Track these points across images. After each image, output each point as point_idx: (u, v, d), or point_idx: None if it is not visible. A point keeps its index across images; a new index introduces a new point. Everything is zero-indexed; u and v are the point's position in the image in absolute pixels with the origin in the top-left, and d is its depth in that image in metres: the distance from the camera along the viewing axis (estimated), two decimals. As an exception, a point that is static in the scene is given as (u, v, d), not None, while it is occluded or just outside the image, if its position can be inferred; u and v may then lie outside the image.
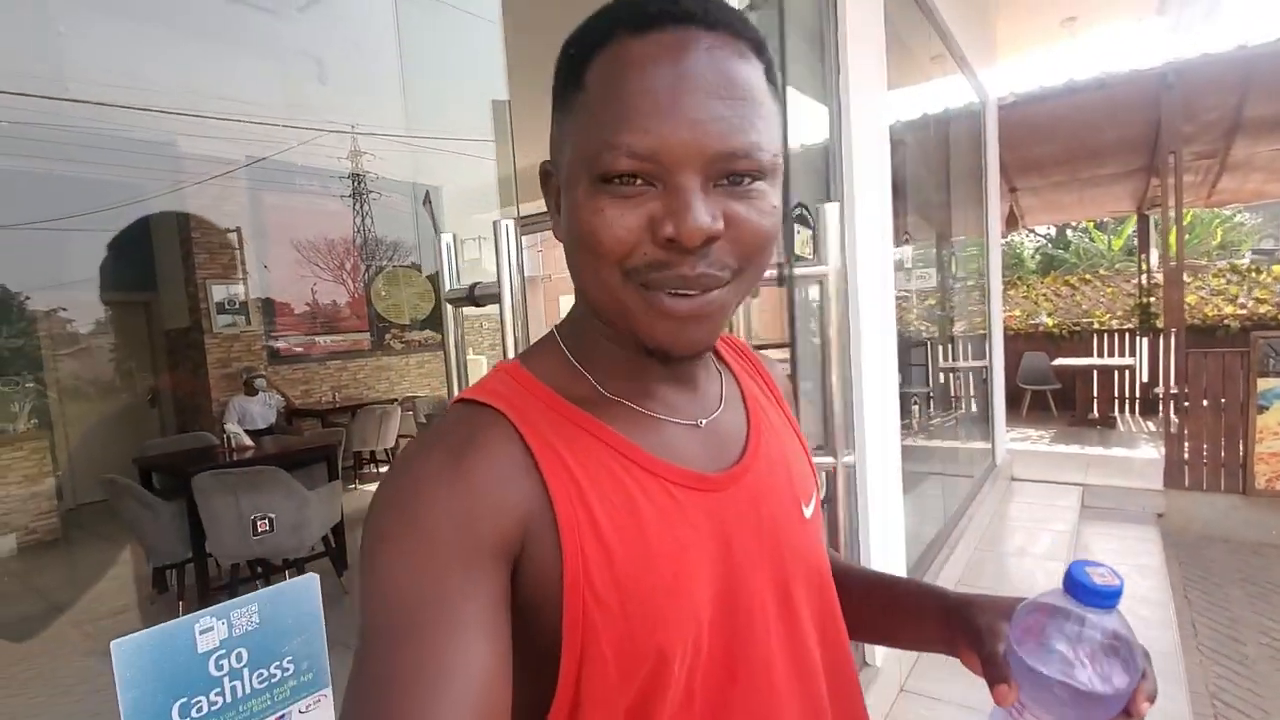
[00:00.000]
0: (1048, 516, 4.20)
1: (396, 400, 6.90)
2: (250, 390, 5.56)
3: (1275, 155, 5.28)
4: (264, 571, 3.51)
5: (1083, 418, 6.86)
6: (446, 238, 1.23)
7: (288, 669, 0.67)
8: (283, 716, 0.66)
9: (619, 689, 0.44)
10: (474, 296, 1.18)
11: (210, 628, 0.62)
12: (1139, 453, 5.38)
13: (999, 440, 4.91)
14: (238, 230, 6.21)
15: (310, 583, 0.73)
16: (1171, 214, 4.75)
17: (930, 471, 4.51)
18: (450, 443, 0.46)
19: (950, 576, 3.25)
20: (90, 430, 5.96)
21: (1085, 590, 0.40)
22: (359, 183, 7.98)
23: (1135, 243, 16.69)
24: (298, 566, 3.51)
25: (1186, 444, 4.50)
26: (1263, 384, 4.19)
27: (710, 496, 0.51)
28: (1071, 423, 6.92)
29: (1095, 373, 6.85)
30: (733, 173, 0.43)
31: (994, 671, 0.48)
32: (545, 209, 0.51)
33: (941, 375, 4.65)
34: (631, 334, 0.47)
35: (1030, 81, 4.82)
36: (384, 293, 6.97)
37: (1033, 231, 18.45)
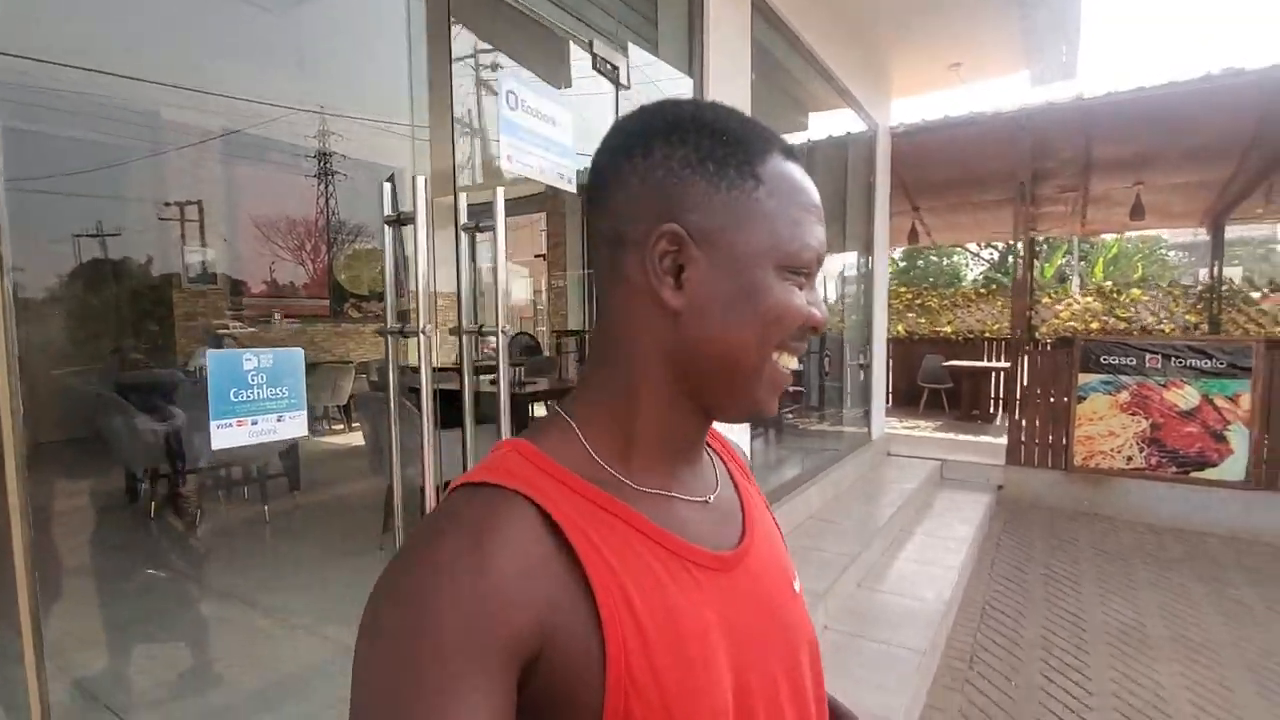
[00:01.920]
0: (901, 479, 5.01)
1: (350, 362, 7.43)
2: (217, 344, 6.04)
3: (1128, 191, 6.23)
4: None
5: (966, 413, 7.80)
6: (387, 186, 1.74)
7: (282, 393, 1.32)
8: (279, 416, 1.31)
9: None
10: (399, 217, 1.48)
11: (251, 360, 1.26)
12: (996, 439, 6.26)
13: (875, 421, 5.72)
14: (198, 203, 6.65)
15: (297, 355, 1.38)
16: (1044, 238, 5.62)
17: (814, 445, 5.31)
18: (465, 528, 0.42)
19: (804, 508, 4.01)
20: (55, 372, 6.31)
21: None
22: (325, 162, 8.41)
23: (1067, 270, 18.08)
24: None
25: (1024, 429, 5.38)
26: (1083, 378, 5.08)
27: (725, 576, 0.51)
28: (957, 417, 7.86)
29: (980, 374, 7.80)
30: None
31: None
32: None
33: (833, 369, 5.46)
34: (747, 397, 0.51)
35: (922, 114, 5.67)
36: (347, 266, 7.47)
37: (978, 255, 19.78)
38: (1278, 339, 5.58)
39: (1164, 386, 4.78)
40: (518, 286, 12.13)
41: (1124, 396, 4.92)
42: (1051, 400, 5.24)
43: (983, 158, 5.63)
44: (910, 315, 9.48)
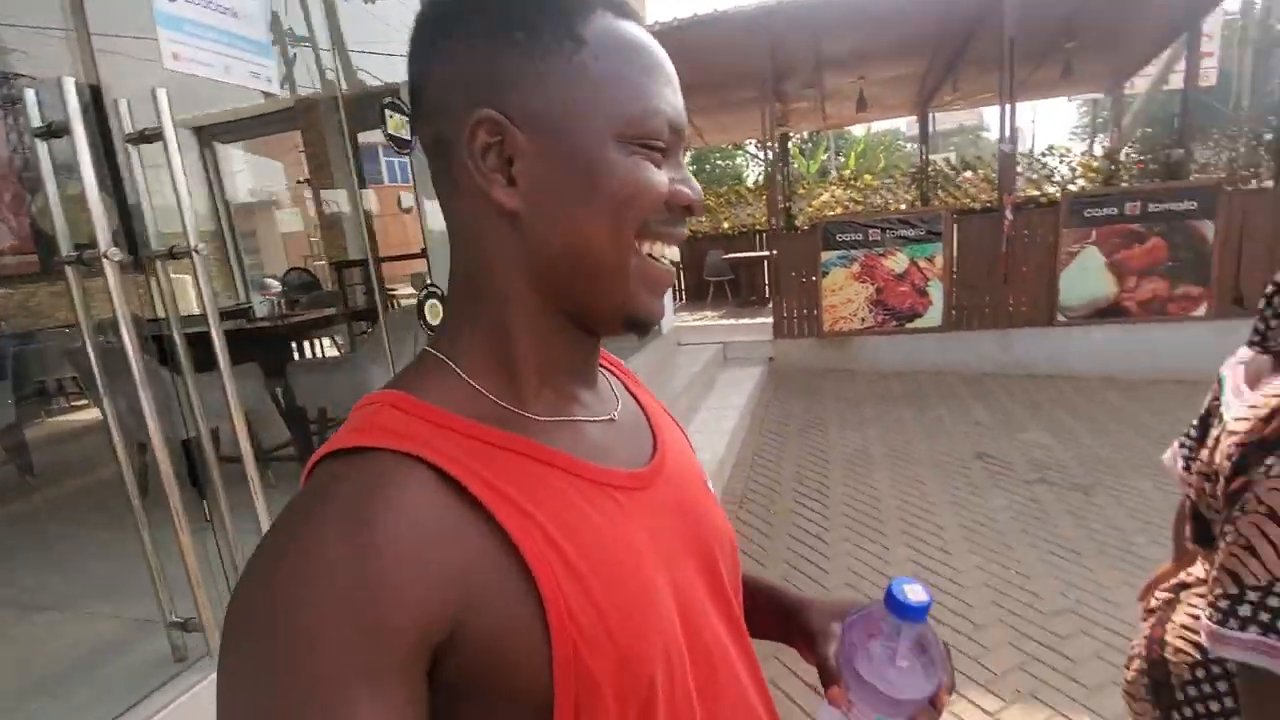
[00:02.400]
0: (689, 364, 5.53)
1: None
2: None
3: (854, 86, 7.05)
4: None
5: (746, 299, 8.67)
6: (30, 94, 1.45)
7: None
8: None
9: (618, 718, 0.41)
10: (50, 128, 1.28)
11: None
12: (768, 319, 7.08)
13: (665, 315, 6.17)
14: None
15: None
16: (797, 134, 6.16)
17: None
18: (344, 505, 0.36)
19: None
20: None
21: (901, 606, 0.45)
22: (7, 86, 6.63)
23: (828, 164, 20.14)
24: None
25: (784, 306, 6.15)
26: (824, 256, 5.87)
27: (645, 493, 0.49)
28: (739, 304, 8.71)
29: (754, 263, 8.64)
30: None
31: (827, 674, 0.51)
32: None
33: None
34: (617, 300, 0.45)
35: (675, 13, 5.82)
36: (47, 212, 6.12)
37: (756, 156, 21.30)
38: (965, 208, 6.85)
39: (883, 255, 5.70)
40: (287, 219, 10.73)
41: (855, 268, 5.79)
42: (803, 279, 6.02)
43: (733, 56, 5.99)
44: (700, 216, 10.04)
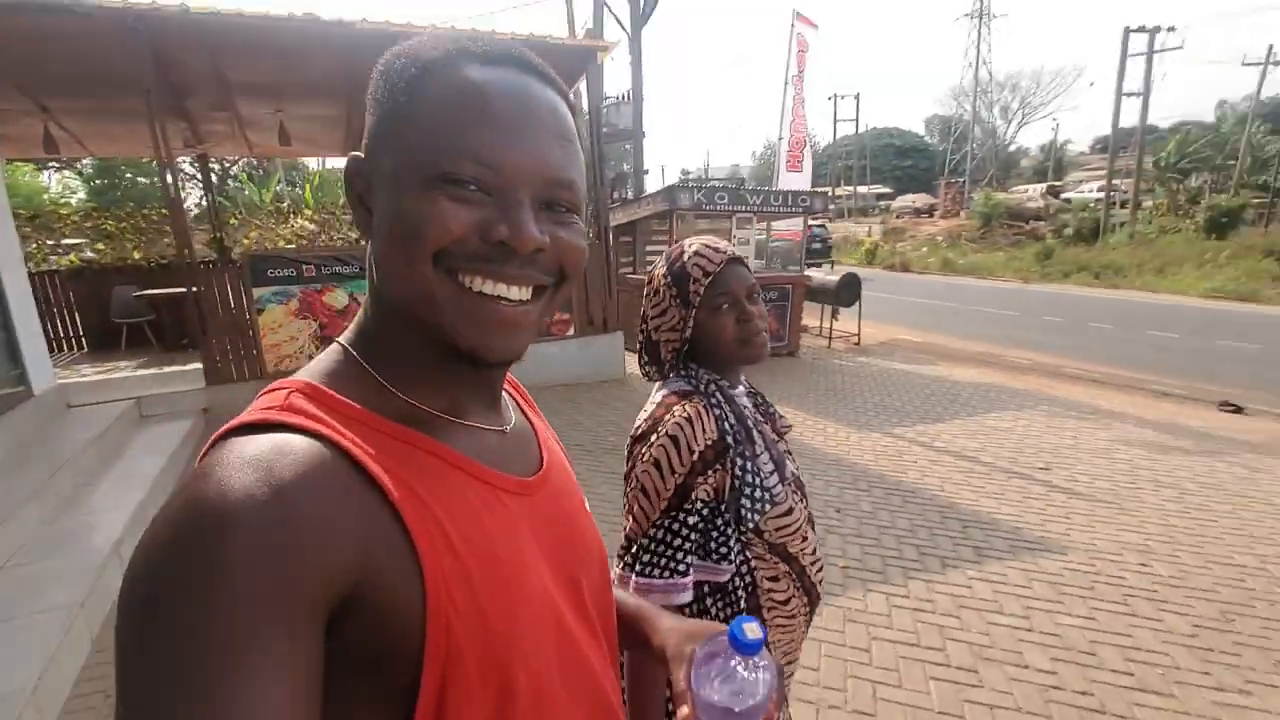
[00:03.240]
0: (83, 429, 4.40)
1: None
2: None
3: (274, 117, 6.81)
4: None
5: (176, 343, 7.39)
6: None
7: None
8: None
9: (482, 706, 0.45)
10: None
11: None
12: (192, 365, 6.19)
13: (36, 372, 4.74)
14: None
15: None
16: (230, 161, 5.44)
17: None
18: (252, 468, 0.39)
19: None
20: None
21: (739, 642, 0.53)
22: None
23: (284, 194, 18.71)
24: None
25: (217, 348, 5.51)
26: (258, 292, 5.51)
27: (530, 500, 0.55)
28: (167, 348, 7.37)
29: (181, 300, 7.43)
30: (556, 201, 0.50)
31: (678, 694, 0.56)
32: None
33: None
34: (438, 331, 0.48)
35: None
36: None
37: (193, 177, 18.23)
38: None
39: (321, 291, 5.71)
40: None
41: (294, 304, 5.63)
42: (236, 318, 5.51)
43: (104, 57, 5.02)
44: (97, 243, 8.00)
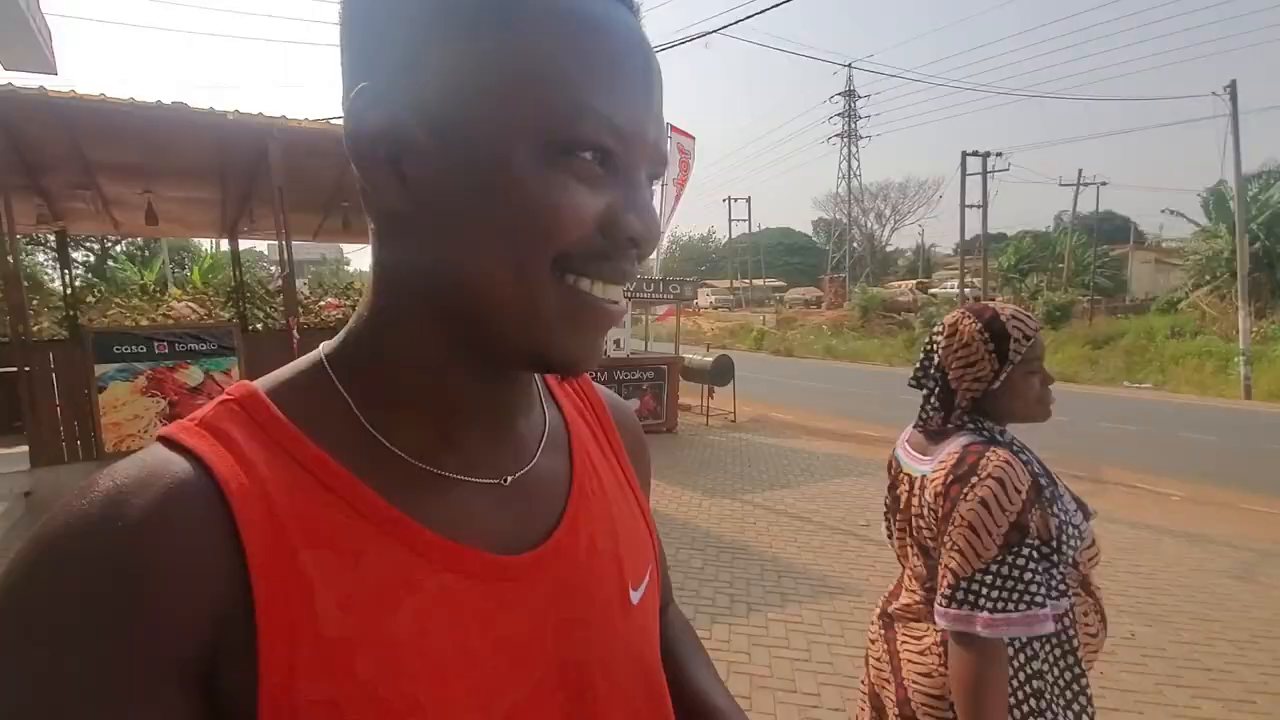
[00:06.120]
0: None
1: None
2: None
3: (142, 197, 6.78)
4: None
5: (7, 425, 6.84)
6: None
7: None
8: None
9: None
10: None
11: None
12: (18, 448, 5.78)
13: None
14: None
15: None
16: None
17: None
18: (112, 502, 0.32)
19: None
20: None
21: None
22: None
23: (167, 274, 18.02)
24: None
25: (46, 428, 5.21)
26: (100, 369, 5.32)
27: (508, 586, 0.40)
28: (-6, 434, 6.79)
29: (9, 379, 6.94)
30: (655, 174, 0.40)
31: None
32: None
33: None
34: (523, 344, 0.38)
35: None
36: None
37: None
38: (255, 328, 7.36)
39: (173, 369, 5.58)
40: None
41: (141, 381, 5.46)
42: (73, 396, 5.27)
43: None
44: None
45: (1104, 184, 30.90)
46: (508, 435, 0.45)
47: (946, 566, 1.08)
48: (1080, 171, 30.01)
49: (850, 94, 43.98)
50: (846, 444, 8.11)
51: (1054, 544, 1.07)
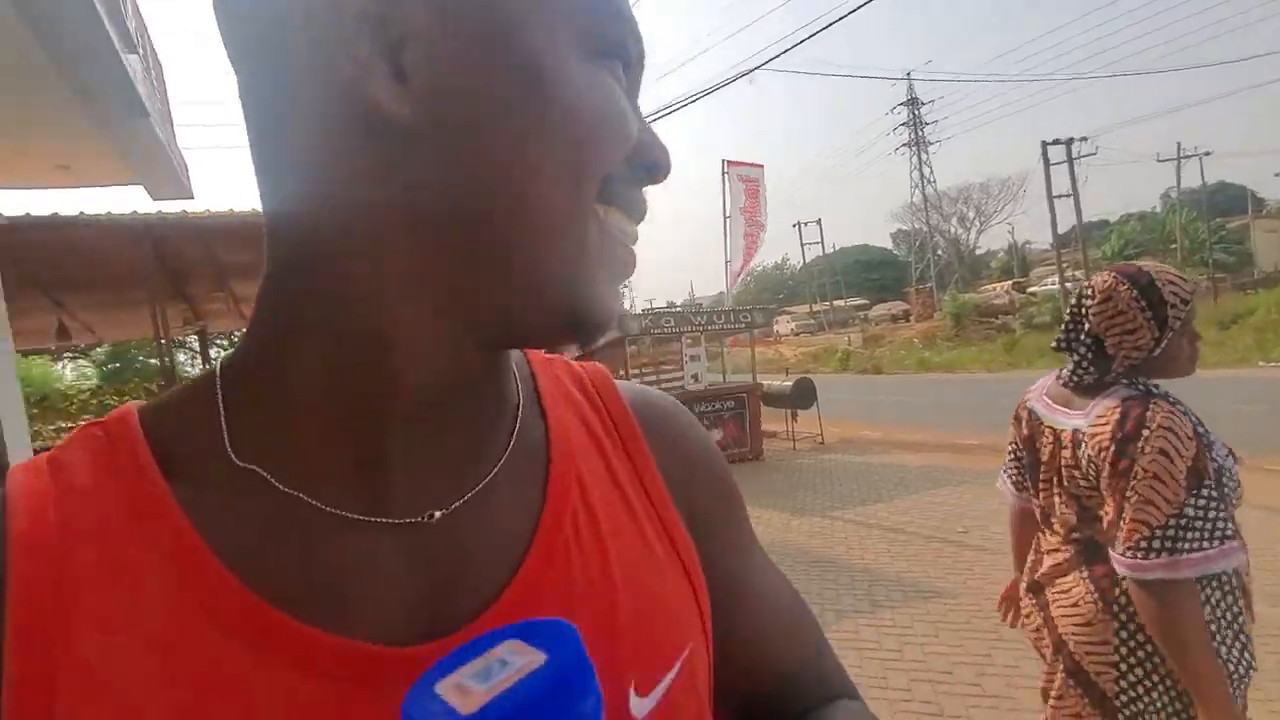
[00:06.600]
0: None
1: None
2: None
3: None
4: None
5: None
6: None
7: None
8: None
9: None
10: None
11: None
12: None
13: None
14: None
15: None
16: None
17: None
18: None
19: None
20: None
21: None
22: None
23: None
24: None
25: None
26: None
27: (395, 691, 0.25)
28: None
29: None
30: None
31: None
32: None
33: None
34: (569, 291, 0.29)
35: (29, 208, 5.52)
36: None
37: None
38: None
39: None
40: None
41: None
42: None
43: (113, 256, 5.94)
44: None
45: (1207, 154, 28.51)
46: (451, 449, 0.32)
47: (1135, 520, 1.10)
48: (1179, 145, 27.89)
49: (913, 102, 43.17)
50: (941, 455, 7.83)
51: (1219, 483, 1.12)
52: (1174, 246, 26.83)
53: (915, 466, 7.20)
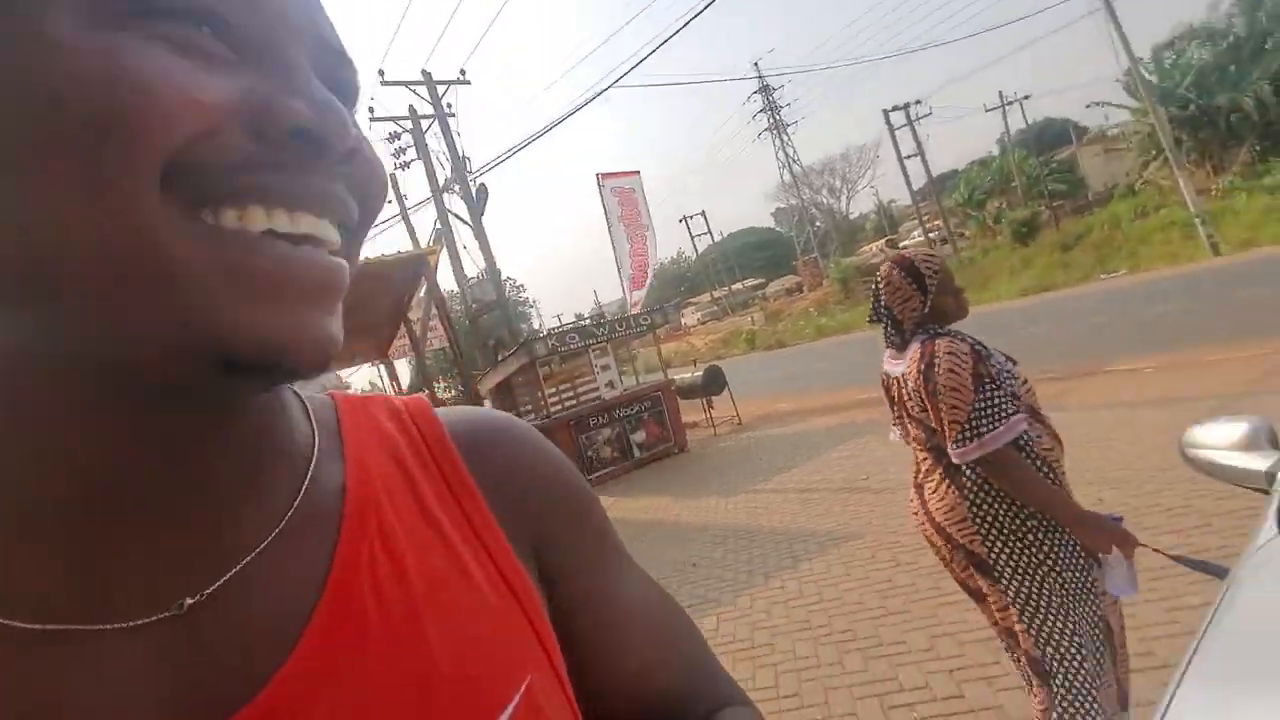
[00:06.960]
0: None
1: None
2: None
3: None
4: None
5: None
6: None
7: None
8: None
9: None
10: None
11: None
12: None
13: None
14: None
15: None
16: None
17: None
18: None
19: None
20: None
21: None
22: None
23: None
24: None
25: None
26: None
27: None
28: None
29: None
30: (341, 83, 0.28)
31: None
32: None
33: None
34: (174, 327, 0.23)
35: None
36: None
37: None
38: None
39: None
40: None
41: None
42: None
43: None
44: None
45: (1026, 98, 31.81)
46: (197, 525, 0.28)
47: (949, 423, 1.53)
48: (1001, 93, 30.94)
49: (765, 89, 45.40)
50: (844, 414, 8.50)
51: (998, 381, 1.54)
52: (1014, 185, 29.76)
53: (823, 429, 7.81)
